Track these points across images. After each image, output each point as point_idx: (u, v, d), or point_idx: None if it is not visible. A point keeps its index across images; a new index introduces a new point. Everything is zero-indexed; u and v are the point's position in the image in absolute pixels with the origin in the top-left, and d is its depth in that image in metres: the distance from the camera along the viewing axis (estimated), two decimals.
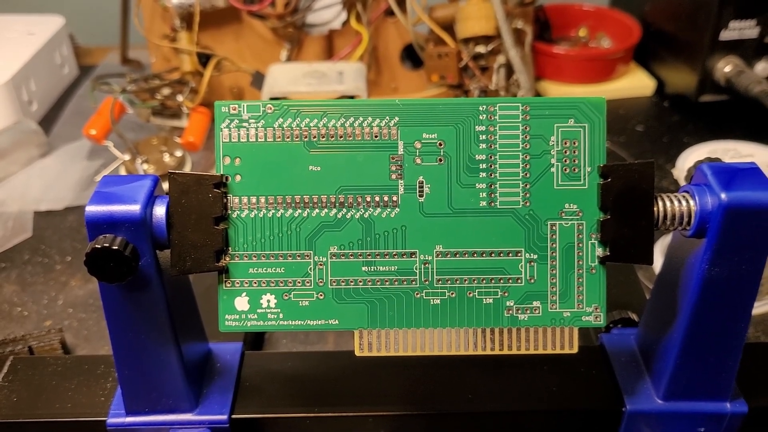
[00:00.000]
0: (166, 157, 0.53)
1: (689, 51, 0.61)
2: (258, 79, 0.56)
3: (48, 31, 0.66)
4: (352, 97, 0.51)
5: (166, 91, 0.55)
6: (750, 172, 0.26)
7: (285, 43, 0.59)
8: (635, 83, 0.66)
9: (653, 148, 0.59)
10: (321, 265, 0.26)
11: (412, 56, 0.62)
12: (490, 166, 0.26)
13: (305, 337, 0.42)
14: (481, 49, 0.55)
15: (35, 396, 0.31)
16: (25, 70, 0.61)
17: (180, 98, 0.55)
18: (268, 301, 0.27)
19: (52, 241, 0.49)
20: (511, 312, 0.27)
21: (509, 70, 0.56)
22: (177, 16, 0.56)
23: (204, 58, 0.57)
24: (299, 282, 0.26)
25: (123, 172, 0.53)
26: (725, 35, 0.58)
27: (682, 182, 0.53)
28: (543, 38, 0.67)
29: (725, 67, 0.59)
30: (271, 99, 0.51)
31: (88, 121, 0.52)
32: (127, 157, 0.53)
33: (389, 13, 0.58)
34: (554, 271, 0.26)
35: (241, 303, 0.27)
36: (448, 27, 0.57)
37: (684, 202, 0.26)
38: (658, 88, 0.66)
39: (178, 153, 0.53)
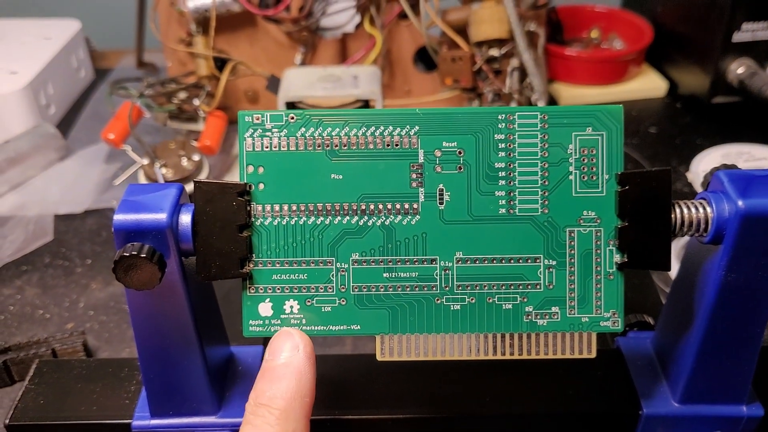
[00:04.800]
0: (184, 161, 0.53)
1: (702, 52, 0.61)
2: (273, 83, 0.56)
3: (64, 36, 0.67)
4: (367, 101, 0.52)
5: (182, 95, 0.56)
6: (767, 179, 0.26)
7: (299, 47, 0.60)
8: (647, 85, 0.67)
9: (666, 149, 0.59)
10: (343, 271, 0.27)
11: (425, 59, 0.63)
12: (509, 173, 0.27)
13: (323, 340, 0.42)
14: (494, 52, 0.55)
15: (61, 398, 0.32)
16: (42, 74, 0.61)
17: (196, 102, 0.56)
18: (291, 307, 0.27)
19: (73, 245, 0.50)
20: (530, 317, 0.27)
21: (523, 73, 0.56)
22: (193, 20, 0.56)
23: (220, 62, 0.58)
24: (322, 288, 0.27)
25: (141, 176, 0.54)
26: (738, 37, 0.58)
27: (696, 185, 0.53)
28: (555, 40, 0.67)
29: (738, 68, 0.59)
30: (287, 103, 0.52)
31: (106, 125, 0.53)
32: (145, 161, 0.53)
33: (402, 16, 0.59)
34: (573, 277, 0.27)
35: (265, 309, 0.27)
36: (462, 30, 0.57)
37: (701, 209, 0.26)
38: (670, 90, 0.66)
39: (196, 157, 0.54)
